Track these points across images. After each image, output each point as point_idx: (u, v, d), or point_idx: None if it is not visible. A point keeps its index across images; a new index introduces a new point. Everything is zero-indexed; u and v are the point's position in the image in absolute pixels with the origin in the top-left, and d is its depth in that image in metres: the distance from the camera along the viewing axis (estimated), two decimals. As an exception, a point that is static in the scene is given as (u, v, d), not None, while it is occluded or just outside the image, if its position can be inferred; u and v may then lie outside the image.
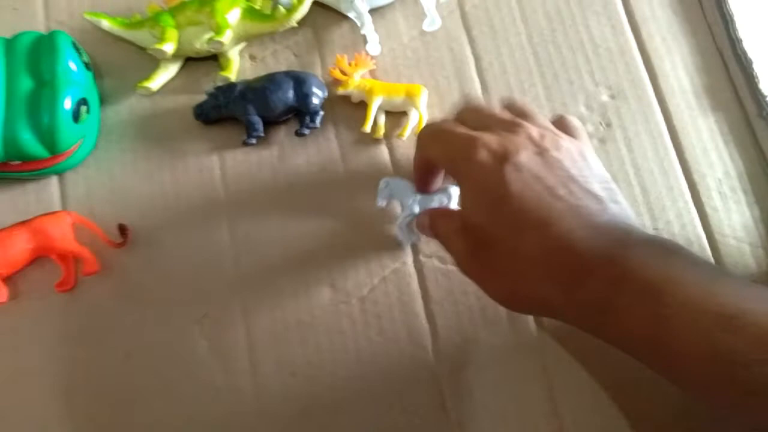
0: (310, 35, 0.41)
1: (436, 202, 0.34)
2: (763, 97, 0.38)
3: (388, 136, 0.39)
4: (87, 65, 0.38)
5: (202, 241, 0.37)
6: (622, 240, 0.25)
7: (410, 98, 0.38)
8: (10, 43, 0.37)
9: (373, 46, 0.39)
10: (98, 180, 0.38)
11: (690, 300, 0.22)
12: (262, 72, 0.39)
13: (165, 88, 0.40)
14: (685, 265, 0.24)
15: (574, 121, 0.31)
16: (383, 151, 0.39)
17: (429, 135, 0.31)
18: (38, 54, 0.36)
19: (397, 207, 0.37)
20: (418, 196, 0.34)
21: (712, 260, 0.36)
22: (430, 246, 0.36)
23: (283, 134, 0.39)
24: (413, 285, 0.36)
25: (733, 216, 0.37)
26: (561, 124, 0.30)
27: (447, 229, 0.29)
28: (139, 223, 0.37)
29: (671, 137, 0.39)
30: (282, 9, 0.37)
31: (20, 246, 0.35)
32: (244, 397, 0.34)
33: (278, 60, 0.40)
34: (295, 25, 0.38)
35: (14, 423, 0.34)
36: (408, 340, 0.35)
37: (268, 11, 0.38)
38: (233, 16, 0.38)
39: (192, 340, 0.35)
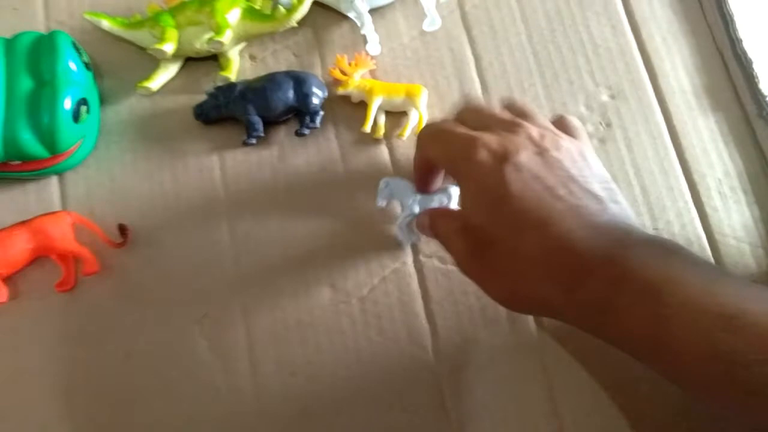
0: (310, 35, 0.41)
1: (436, 202, 0.34)
2: (763, 97, 0.38)
3: (388, 136, 0.39)
4: (87, 65, 0.38)
5: (202, 241, 0.37)
6: (622, 240, 0.25)
7: (410, 98, 0.38)
8: (10, 43, 0.37)
9: (373, 46, 0.39)
10: (98, 180, 0.38)
11: (690, 300, 0.22)
12: (262, 72, 0.39)
13: (165, 88, 0.40)
14: (685, 265, 0.24)
15: (574, 121, 0.31)
16: (383, 151, 0.39)
17: (429, 135, 0.31)
18: (38, 54, 0.36)
19: (397, 207, 0.37)
20: (418, 196, 0.34)
21: (712, 260, 0.36)
22: (430, 246, 0.36)
23: (283, 134, 0.39)
24: (413, 285, 0.36)
25: (733, 216, 0.37)
26: (561, 124, 0.30)
27: (447, 229, 0.29)
28: (139, 223, 0.37)
29: (671, 137, 0.39)
30: (282, 9, 0.37)
31: (20, 246, 0.35)
32: (244, 397, 0.34)
33: (278, 60, 0.40)
34: (295, 25, 0.38)
35: (14, 423, 0.34)
36: (408, 340, 0.35)
37: (268, 11, 0.38)
38: (233, 16, 0.38)
39: (192, 340, 0.35)
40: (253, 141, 0.38)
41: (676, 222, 0.37)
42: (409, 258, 0.37)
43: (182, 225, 0.37)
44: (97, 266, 0.36)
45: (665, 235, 0.36)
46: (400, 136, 0.38)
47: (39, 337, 0.35)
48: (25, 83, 0.35)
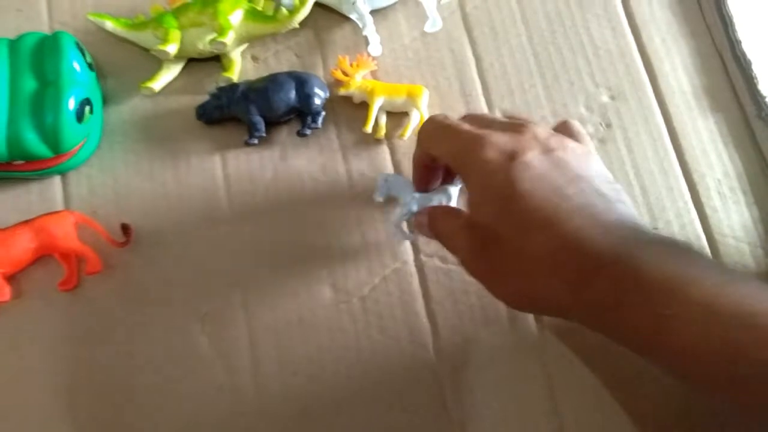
0: (311, 36, 0.41)
1: (434, 201, 0.34)
2: (762, 98, 0.38)
3: (389, 136, 0.39)
4: (90, 66, 0.38)
5: (204, 240, 0.37)
6: (632, 239, 0.25)
7: (411, 99, 0.38)
8: (14, 44, 0.37)
9: (375, 47, 0.40)
10: (101, 180, 0.38)
11: (703, 299, 0.22)
12: (264, 73, 0.39)
13: (168, 89, 0.40)
14: (697, 264, 0.24)
15: (577, 126, 0.31)
16: (384, 151, 0.39)
17: (432, 130, 0.31)
18: (42, 54, 0.36)
19: (397, 205, 0.37)
20: (417, 195, 0.34)
21: (711, 260, 0.36)
22: (431, 246, 0.37)
23: (285, 134, 0.39)
24: (414, 284, 0.36)
25: (733, 216, 0.37)
26: (563, 128, 0.30)
27: (450, 227, 0.29)
28: (142, 223, 0.37)
29: (671, 138, 0.39)
30: (284, 10, 0.38)
31: (23, 245, 0.35)
32: (245, 396, 0.34)
33: (280, 61, 0.41)
34: (297, 26, 0.38)
35: (16, 421, 0.34)
36: (409, 339, 0.35)
37: (270, 12, 0.38)
38: (236, 17, 0.38)
39: (194, 339, 0.35)
40: (255, 141, 0.38)
41: (676, 222, 0.37)
42: (410, 257, 0.37)
43: (184, 224, 0.37)
44: (99, 265, 0.36)
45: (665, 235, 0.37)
46: (401, 136, 0.39)
47: (41, 335, 0.35)
48: (29, 83, 0.36)
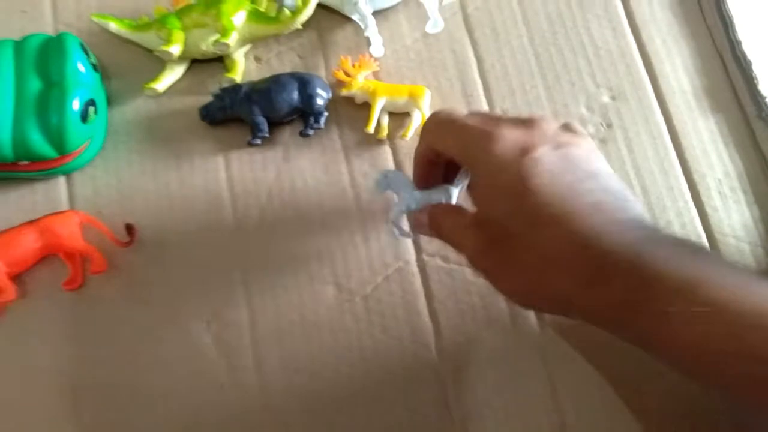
0: (314, 37, 0.41)
1: (434, 199, 0.33)
2: (763, 98, 0.38)
3: (391, 136, 0.39)
4: (95, 67, 0.38)
5: (208, 240, 0.37)
6: (649, 238, 0.24)
7: (413, 99, 0.38)
8: (20, 45, 0.37)
9: (377, 48, 0.40)
10: (105, 180, 0.38)
11: (723, 299, 0.22)
12: (267, 73, 0.39)
13: (171, 90, 0.40)
14: (715, 265, 0.24)
15: (580, 128, 0.30)
16: (386, 151, 0.39)
17: (438, 125, 0.30)
18: (47, 56, 0.37)
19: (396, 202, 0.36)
20: (417, 192, 0.33)
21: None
22: (433, 245, 0.37)
23: (287, 135, 0.39)
24: (416, 284, 0.36)
25: (733, 215, 0.38)
26: (567, 130, 0.30)
27: (455, 225, 0.29)
28: (146, 223, 0.37)
29: (671, 138, 0.39)
30: (287, 11, 0.38)
31: (28, 245, 0.35)
32: (248, 394, 0.35)
33: (283, 61, 0.41)
34: (300, 27, 0.38)
35: (21, 420, 0.35)
36: (411, 338, 0.35)
37: (272, 14, 0.38)
38: (239, 18, 0.38)
39: (197, 338, 0.35)
40: (258, 141, 0.38)
41: (677, 221, 0.37)
42: (412, 257, 0.37)
43: (188, 224, 0.37)
44: (104, 265, 0.36)
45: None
46: (403, 136, 0.39)
47: (46, 335, 0.36)
48: (34, 84, 0.36)
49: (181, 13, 0.39)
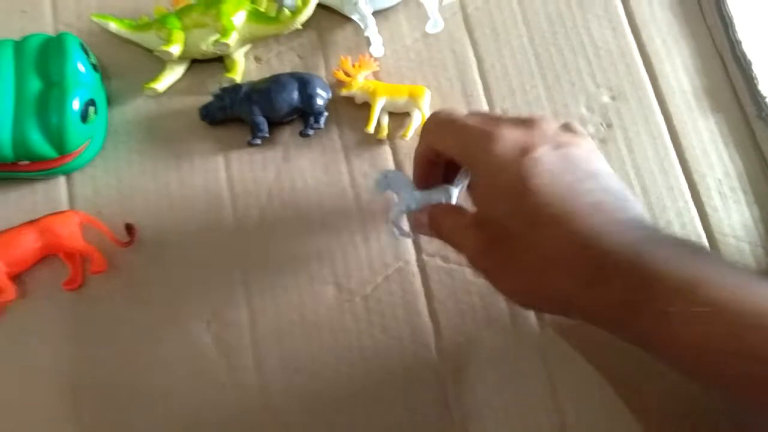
0: (314, 37, 0.41)
1: (434, 199, 0.32)
2: (763, 98, 0.38)
3: (391, 136, 0.39)
4: (95, 67, 0.38)
5: (208, 239, 0.37)
6: (649, 238, 0.24)
7: (413, 99, 0.38)
8: (20, 45, 0.37)
9: (377, 48, 0.40)
10: (105, 180, 0.38)
11: (724, 299, 0.22)
12: (267, 73, 0.39)
13: (171, 90, 0.40)
14: (715, 265, 0.24)
15: (579, 128, 0.30)
16: (386, 151, 0.39)
17: (438, 125, 0.30)
18: (47, 56, 0.37)
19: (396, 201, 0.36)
20: (417, 193, 0.33)
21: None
22: (433, 245, 0.37)
23: (287, 135, 0.39)
24: (416, 284, 0.36)
25: (733, 215, 0.38)
26: (566, 129, 0.30)
27: (455, 225, 0.29)
28: (146, 223, 0.37)
29: (671, 138, 0.39)
30: (286, 11, 0.38)
31: (28, 245, 0.35)
32: (248, 394, 0.35)
33: (283, 61, 0.41)
34: (300, 27, 0.38)
35: (21, 419, 0.35)
36: (411, 338, 0.35)
37: (272, 14, 0.38)
38: (239, 18, 0.38)
39: (198, 338, 0.36)
40: (258, 141, 0.38)
41: (677, 221, 0.37)
42: (412, 257, 0.37)
43: (188, 224, 0.37)
44: (104, 265, 0.36)
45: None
46: (403, 136, 0.39)
47: (46, 334, 0.36)
48: (34, 84, 0.36)
49: (181, 13, 0.39)
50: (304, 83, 0.38)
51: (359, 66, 0.39)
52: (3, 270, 0.35)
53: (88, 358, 0.35)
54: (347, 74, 0.39)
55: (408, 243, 0.37)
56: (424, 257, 0.37)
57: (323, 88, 0.38)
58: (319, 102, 0.38)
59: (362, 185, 0.38)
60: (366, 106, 0.39)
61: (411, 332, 0.36)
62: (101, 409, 0.34)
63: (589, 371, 0.34)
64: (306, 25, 0.39)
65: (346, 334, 0.36)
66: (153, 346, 0.35)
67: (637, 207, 0.26)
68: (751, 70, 0.39)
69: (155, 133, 0.39)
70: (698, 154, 0.39)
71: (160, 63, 0.39)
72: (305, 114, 0.38)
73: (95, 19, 0.40)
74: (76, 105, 0.35)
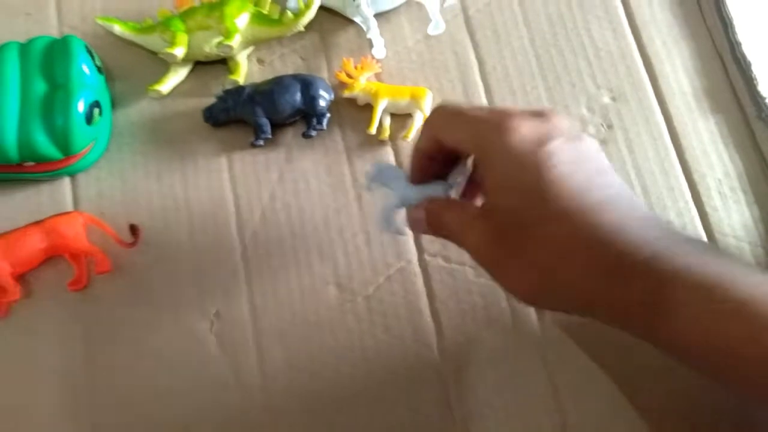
0: (316, 39, 0.42)
1: (431, 195, 0.31)
2: (762, 99, 0.38)
3: (393, 138, 0.39)
4: (99, 69, 0.39)
5: (211, 240, 0.37)
6: (665, 236, 0.24)
7: (415, 101, 0.39)
8: (25, 48, 0.38)
9: (379, 50, 0.40)
10: (110, 181, 0.39)
11: (743, 298, 0.21)
12: (269, 75, 0.40)
13: (175, 92, 0.40)
14: (731, 264, 0.24)
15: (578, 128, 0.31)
16: (388, 152, 0.39)
17: (445, 117, 0.29)
18: (52, 58, 0.37)
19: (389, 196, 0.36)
20: (412, 187, 0.31)
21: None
22: (435, 245, 0.37)
23: (290, 136, 0.40)
24: (418, 284, 0.37)
25: (733, 215, 0.38)
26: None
27: (458, 218, 0.27)
28: (150, 224, 0.37)
29: (672, 139, 0.39)
30: (289, 14, 0.38)
31: (33, 245, 0.35)
32: (251, 394, 0.35)
33: (286, 63, 0.41)
34: (302, 29, 0.39)
35: (25, 420, 0.35)
36: (413, 338, 0.36)
37: (275, 16, 0.39)
38: (242, 20, 0.38)
39: (201, 338, 0.36)
40: (261, 143, 0.38)
41: (677, 221, 0.38)
42: (413, 257, 0.37)
43: (192, 225, 0.38)
44: (108, 266, 0.36)
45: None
46: (405, 137, 0.39)
47: (51, 334, 0.36)
48: (40, 86, 0.36)
49: (184, 16, 0.39)
50: (306, 85, 0.38)
51: (361, 68, 0.39)
52: (8, 270, 0.35)
53: (92, 357, 0.35)
54: (349, 76, 0.39)
55: (410, 243, 0.37)
56: (426, 257, 0.37)
57: (326, 90, 0.39)
58: (322, 103, 0.38)
59: (364, 186, 0.38)
60: (368, 108, 0.39)
61: (413, 332, 0.36)
62: (105, 408, 0.35)
63: (590, 371, 0.34)
64: (308, 27, 0.39)
65: (348, 334, 0.36)
66: (157, 345, 0.36)
67: (643, 205, 0.26)
68: (751, 71, 0.39)
69: (159, 135, 0.40)
70: (698, 154, 0.39)
71: (164, 65, 0.40)
72: (308, 115, 0.39)
73: (100, 21, 0.40)
74: (80, 107, 0.36)
